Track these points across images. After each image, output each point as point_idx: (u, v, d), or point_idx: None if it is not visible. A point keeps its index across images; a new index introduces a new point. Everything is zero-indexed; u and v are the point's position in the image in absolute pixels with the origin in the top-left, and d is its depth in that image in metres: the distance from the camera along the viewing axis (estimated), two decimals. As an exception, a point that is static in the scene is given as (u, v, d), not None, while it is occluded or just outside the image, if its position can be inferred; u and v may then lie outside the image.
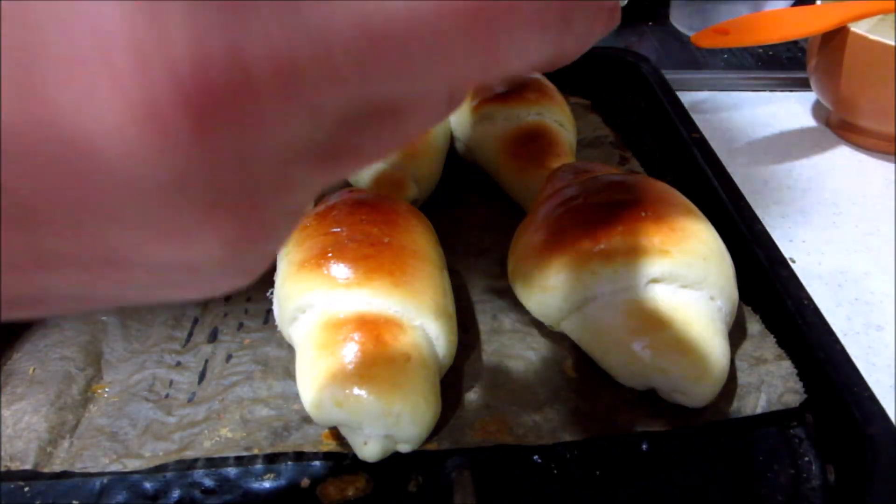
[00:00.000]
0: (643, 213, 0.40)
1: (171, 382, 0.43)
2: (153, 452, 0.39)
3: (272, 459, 0.39)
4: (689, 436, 0.39)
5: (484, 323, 0.46)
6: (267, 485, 0.38)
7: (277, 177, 0.13)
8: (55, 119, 0.10)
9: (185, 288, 0.15)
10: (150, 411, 0.41)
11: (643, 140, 0.66)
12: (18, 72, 0.10)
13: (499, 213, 0.57)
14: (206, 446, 0.39)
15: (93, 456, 0.39)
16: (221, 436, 0.39)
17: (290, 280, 0.41)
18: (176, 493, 0.37)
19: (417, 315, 0.39)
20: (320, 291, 0.39)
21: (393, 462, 0.38)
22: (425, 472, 0.38)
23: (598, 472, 0.38)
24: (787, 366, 0.41)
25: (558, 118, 0.58)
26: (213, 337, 0.46)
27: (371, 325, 0.38)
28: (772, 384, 0.40)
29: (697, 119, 0.62)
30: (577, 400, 0.41)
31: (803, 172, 0.72)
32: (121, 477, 0.38)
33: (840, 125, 0.77)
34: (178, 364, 0.44)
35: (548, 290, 0.41)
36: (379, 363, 0.36)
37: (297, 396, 0.38)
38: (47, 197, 0.11)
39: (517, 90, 0.58)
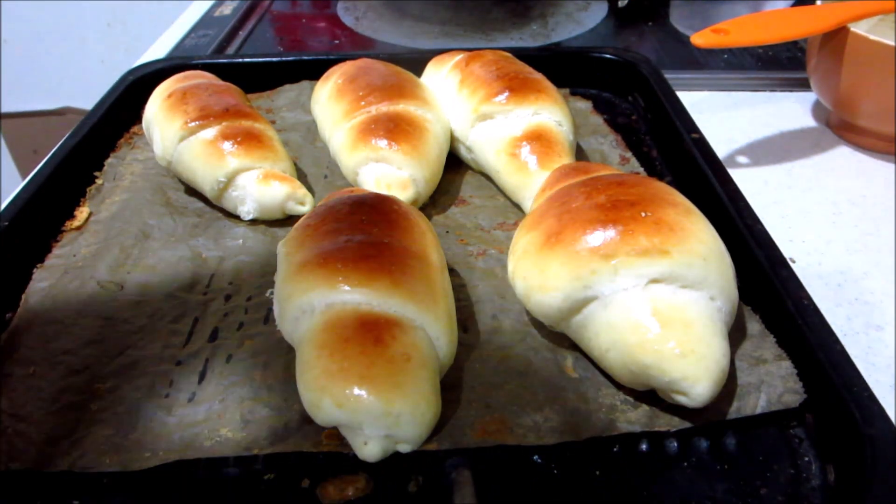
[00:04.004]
0: (643, 213, 0.40)
1: (171, 382, 0.43)
2: (153, 452, 0.39)
3: (272, 459, 0.39)
4: (689, 436, 0.39)
5: (484, 323, 0.46)
6: (267, 485, 0.38)
7: None
8: None
9: None
10: (150, 411, 0.41)
11: (643, 140, 0.66)
12: None
13: (499, 212, 0.57)
14: (206, 446, 0.39)
15: (93, 456, 0.39)
16: (221, 436, 0.39)
17: (290, 280, 0.41)
18: (176, 494, 0.37)
19: (418, 315, 0.39)
20: (321, 291, 0.39)
21: (393, 462, 0.38)
22: (425, 472, 0.38)
23: (597, 472, 0.38)
24: (787, 366, 0.41)
25: (558, 118, 0.58)
26: (213, 337, 0.46)
27: (371, 326, 0.38)
28: (772, 384, 0.40)
29: (697, 119, 0.62)
30: (577, 400, 0.41)
31: (803, 172, 0.72)
32: (121, 477, 0.38)
33: (840, 125, 0.77)
34: (179, 364, 0.44)
35: (548, 290, 0.41)
36: (379, 363, 0.36)
37: (297, 396, 0.38)
38: None
39: (517, 90, 0.58)
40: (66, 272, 0.51)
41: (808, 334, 0.40)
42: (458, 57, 0.64)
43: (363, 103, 0.58)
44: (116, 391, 0.42)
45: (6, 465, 0.38)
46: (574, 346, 0.44)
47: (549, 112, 0.57)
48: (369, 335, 0.37)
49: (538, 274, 0.42)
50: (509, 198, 0.58)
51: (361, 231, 0.42)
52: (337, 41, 1.05)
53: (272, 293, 0.47)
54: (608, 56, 0.74)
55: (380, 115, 0.57)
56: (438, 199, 0.59)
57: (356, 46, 1.03)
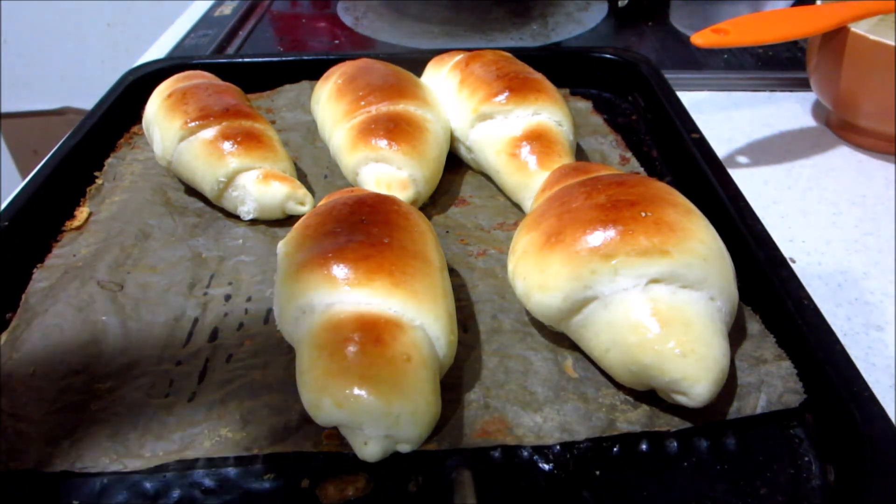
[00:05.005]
0: (643, 213, 0.40)
1: (171, 382, 0.43)
2: (153, 452, 0.39)
3: (272, 459, 0.39)
4: (689, 436, 0.39)
5: (484, 323, 0.46)
6: (267, 485, 0.38)
7: None
8: None
9: None
10: (150, 411, 0.41)
11: (643, 140, 0.66)
12: None
13: (499, 212, 0.57)
14: (206, 446, 0.39)
15: (93, 456, 0.39)
16: (221, 436, 0.39)
17: (290, 280, 0.41)
18: (176, 493, 0.37)
19: (417, 315, 0.39)
20: (321, 292, 0.39)
21: (393, 462, 0.38)
22: (425, 472, 0.38)
23: (597, 472, 0.38)
24: (787, 366, 0.41)
25: (558, 118, 0.58)
26: (213, 337, 0.46)
27: (371, 326, 0.38)
28: (772, 384, 0.40)
29: (697, 119, 0.62)
30: (577, 400, 0.41)
31: (803, 172, 0.72)
32: (121, 477, 0.38)
33: (840, 125, 0.77)
34: (178, 364, 0.44)
35: (548, 290, 0.41)
36: (379, 363, 0.36)
37: (297, 396, 0.38)
38: None
39: (517, 90, 0.57)
40: (66, 272, 0.51)
41: (808, 334, 0.40)
42: (458, 57, 0.64)
43: (363, 103, 0.58)
44: (116, 391, 0.42)
45: (6, 465, 0.38)
46: (574, 346, 0.44)
47: (549, 112, 0.57)
48: (369, 335, 0.37)
49: (538, 274, 0.42)
50: (509, 198, 0.58)
51: (361, 231, 0.42)
52: (337, 41, 1.05)
53: (272, 293, 0.47)
54: (608, 56, 0.74)
55: (380, 115, 0.57)
56: (438, 199, 0.59)
57: (356, 46, 1.03)
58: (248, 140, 0.56)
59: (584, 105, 0.70)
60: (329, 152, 0.62)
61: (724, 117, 0.81)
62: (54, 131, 1.64)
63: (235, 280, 0.51)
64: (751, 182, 0.70)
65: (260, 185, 0.55)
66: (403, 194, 0.54)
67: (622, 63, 0.73)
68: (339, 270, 0.40)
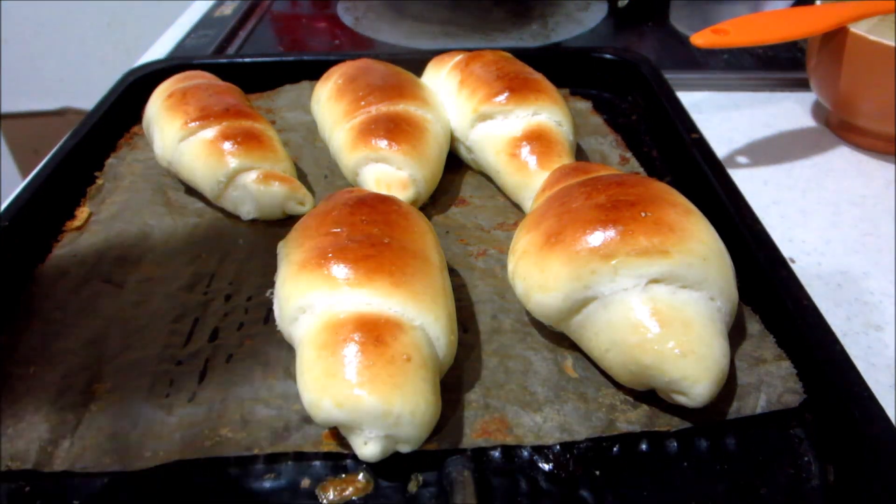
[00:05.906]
0: (643, 213, 0.40)
1: (171, 382, 0.43)
2: (153, 452, 0.39)
3: (272, 459, 0.39)
4: (689, 436, 0.39)
5: (484, 323, 0.46)
6: (267, 485, 0.38)
7: None
8: None
9: None
10: (150, 411, 0.41)
11: (643, 140, 0.66)
12: None
13: (499, 212, 0.57)
14: (206, 446, 0.39)
15: (93, 456, 0.39)
16: (221, 436, 0.39)
17: (290, 280, 0.41)
18: (176, 493, 0.37)
19: (418, 315, 0.39)
20: (321, 292, 0.39)
21: (393, 462, 0.38)
22: (425, 472, 0.38)
23: (597, 472, 0.38)
24: (786, 366, 0.41)
25: (558, 118, 0.58)
26: (213, 337, 0.46)
27: (371, 326, 0.38)
28: (772, 384, 0.40)
29: (697, 119, 0.62)
30: (577, 400, 0.41)
31: (803, 172, 0.72)
32: (121, 477, 0.38)
33: (840, 125, 0.77)
34: (179, 364, 0.44)
35: (548, 290, 0.41)
36: (379, 364, 0.36)
37: (297, 396, 0.38)
38: None
39: (517, 90, 0.58)
40: (66, 272, 0.51)
41: (807, 334, 0.40)
42: (458, 57, 0.64)
43: (363, 103, 0.58)
44: (116, 391, 0.42)
45: (6, 465, 0.38)
46: (574, 346, 0.44)
47: (549, 112, 0.57)
48: (369, 335, 0.37)
49: (538, 274, 0.42)
50: (509, 198, 0.58)
51: (361, 231, 0.42)
52: (337, 41, 1.05)
53: (272, 293, 0.47)
54: (608, 56, 0.74)
55: (380, 115, 0.57)
56: (438, 199, 0.59)
57: (356, 46, 1.03)
58: (248, 140, 0.56)
59: (584, 105, 0.70)
60: (329, 152, 0.62)
61: (724, 117, 0.81)
62: (54, 131, 1.64)
63: (235, 280, 0.51)
64: (751, 182, 0.70)
65: (260, 185, 0.55)
66: (403, 194, 0.54)
67: (622, 63, 0.73)
68: (339, 270, 0.40)
